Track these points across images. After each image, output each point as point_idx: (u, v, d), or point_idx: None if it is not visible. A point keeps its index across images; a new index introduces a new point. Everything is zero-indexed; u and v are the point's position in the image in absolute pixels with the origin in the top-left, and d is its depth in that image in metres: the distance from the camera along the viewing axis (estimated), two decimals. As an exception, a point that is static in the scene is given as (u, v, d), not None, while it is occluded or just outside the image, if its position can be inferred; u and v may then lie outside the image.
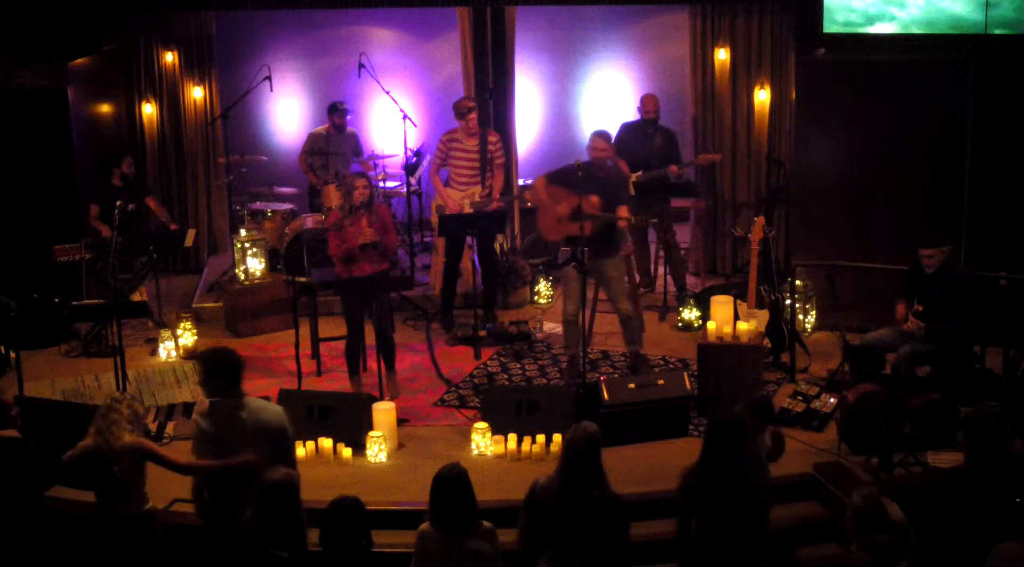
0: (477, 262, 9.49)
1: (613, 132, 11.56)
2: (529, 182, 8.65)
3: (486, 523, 5.45)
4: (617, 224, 8.23)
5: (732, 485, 5.47)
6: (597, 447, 5.56)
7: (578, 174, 8.08)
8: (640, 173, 9.98)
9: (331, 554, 5.32)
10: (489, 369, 8.90)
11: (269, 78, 10.34)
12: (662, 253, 10.30)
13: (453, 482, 5.37)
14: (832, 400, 7.79)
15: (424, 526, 5.44)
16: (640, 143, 10.11)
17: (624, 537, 5.57)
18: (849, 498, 5.79)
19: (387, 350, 8.30)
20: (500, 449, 7.50)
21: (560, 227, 8.28)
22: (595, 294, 8.61)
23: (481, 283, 9.36)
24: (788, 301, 8.74)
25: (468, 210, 9.56)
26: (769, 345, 8.56)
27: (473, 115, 9.51)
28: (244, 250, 9.75)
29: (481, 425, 7.57)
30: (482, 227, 9.38)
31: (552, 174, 8.46)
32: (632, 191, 10.07)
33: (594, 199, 8.03)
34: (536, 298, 10.28)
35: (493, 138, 9.72)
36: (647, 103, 10.18)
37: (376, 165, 11.16)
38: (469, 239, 9.61)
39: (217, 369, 5.69)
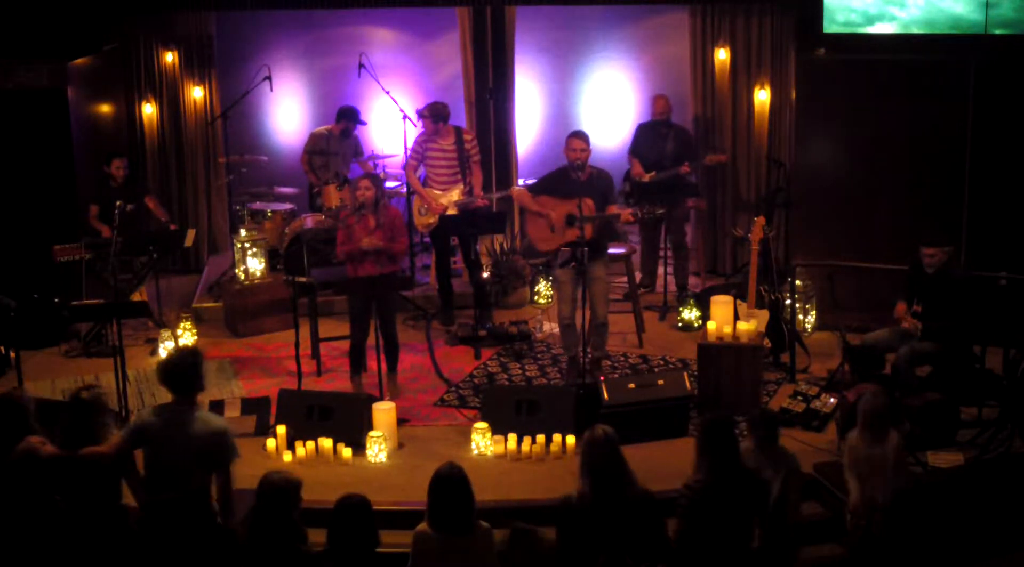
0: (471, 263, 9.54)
1: (614, 131, 11.72)
2: (529, 183, 8.63)
3: (483, 523, 5.45)
4: (612, 225, 8.20)
5: (734, 484, 5.46)
6: (617, 446, 5.57)
7: (570, 177, 8.09)
8: (653, 173, 10.02)
9: (338, 553, 5.31)
10: (489, 369, 8.90)
11: (269, 78, 10.33)
12: (661, 253, 10.30)
13: (452, 482, 5.37)
14: (832, 400, 7.79)
15: (422, 527, 5.43)
16: (653, 144, 10.16)
17: (663, 532, 5.57)
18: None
19: (391, 351, 8.31)
20: (500, 449, 7.50)
21: (555, 236, 8.24)
22: (583, 294, 8.60)
23: (471, 283, 9.39)
24: (788, 301, 8.73)
25: (452, 211, 9.57)
26: (769, 345, 8.55)
27: (424, 122, 9.64)
28: (244, 250, 9.75)
29: (481, 425, 7.57)
30: (480, 227, 9.39)
31: (536, 185, 8.42)
32: (629, 191, 10.14)
33: (588, 201, 8.02)
34: (536, 298, 10.28)
35: (468, 136, 9.73)
36: (657, 104, 10.24)
37: (376, 165, 11.16)
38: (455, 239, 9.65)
39: (164, 376, 5.76)
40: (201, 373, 5.81)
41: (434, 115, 9.58)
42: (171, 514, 5.65)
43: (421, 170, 9.83)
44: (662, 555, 5.49)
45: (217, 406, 8.15)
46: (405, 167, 9.99)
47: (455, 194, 9.63)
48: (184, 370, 5.74)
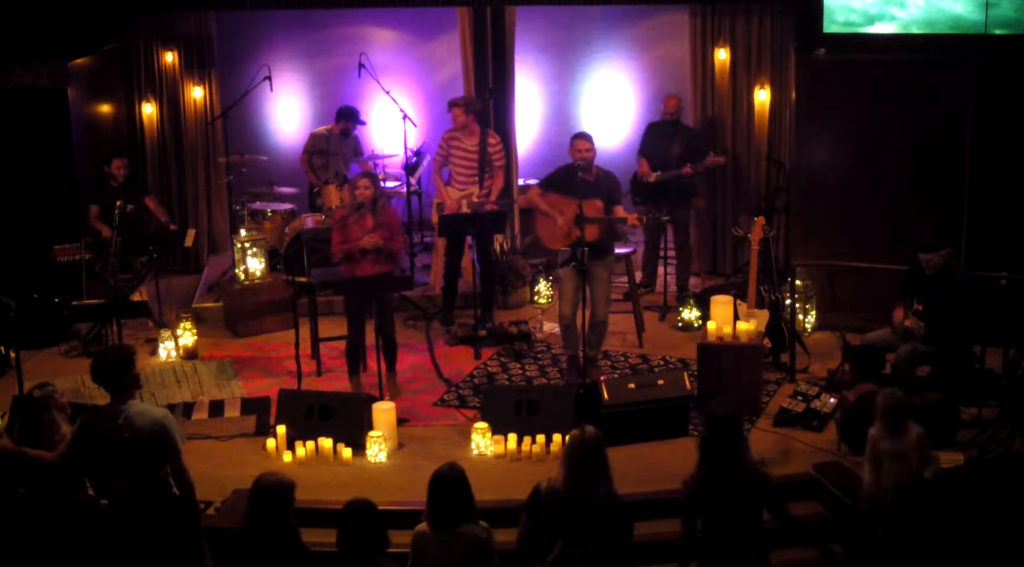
0: (476, 262, 9.50)
1: (614, 131, 11.72)
2: (529, 183, 8.64)
3: (482, 523, 5.45)
4: (616, 226, 8.20)
5: (736, 480, 5.46)
6: (601, 448, 5.56)
7: (577, 177, 8.09)
8: (659, 173, 10.03)
9: (348, 556, 5.31)
10: (489, 369, 8.90)
11: (269, 78, 10.33)
12: (662, 253, 10.30)
13: (451, 481, 5.37)
14: (832, 400, 7.79)
15: (421, 526, 5.43)
16: (660, 143, 10.17)
17: (628, 538, 5.56)
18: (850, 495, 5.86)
19: (389, 351, 8.30)
20: (500, 449, 7.50)
21: (564, 235, 8.25)
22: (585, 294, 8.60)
23: (479, 283, 9.37)
24: (788, 301, 8.73)
25: (465, 209, 9.57)
26: (769, 345, 8.55)
27: (456, 111, 9.57)
28: (244, 250, 9.75)
29: (481, 425, 7.57)
30: (482, 227, 9.38)
31: (544, 181, 8.43)
32: (632, 190, 10.13)
33: (597, 203, 8.02)
34: (536, 298, 10.28)
35: (493, 140, 9.71)
36: (667, 104, 10.26)
37: (376, 165, 11.16)
38: (469, 238, 9.62)
39: (96, 376, 5.66)
40: (134, 371, 5.68)
41: (467, 104, 9.58)
42: (137, 503, 5.59)
43: (444, 170, 9.85)
44: (624, 560, 5.51)
45: (217, 406, 8.16)
46: (431, 165, 10.03)
47: (471, 195, 9.63)
48: (115, 368, 5.62)
